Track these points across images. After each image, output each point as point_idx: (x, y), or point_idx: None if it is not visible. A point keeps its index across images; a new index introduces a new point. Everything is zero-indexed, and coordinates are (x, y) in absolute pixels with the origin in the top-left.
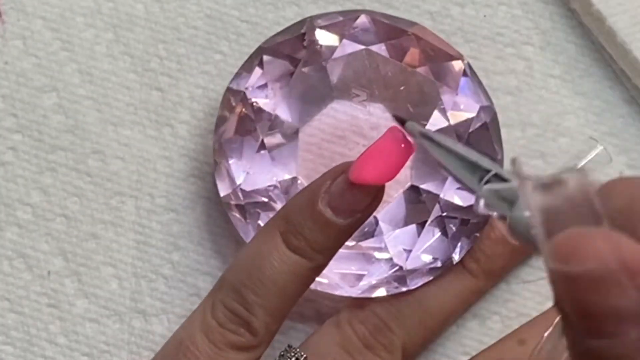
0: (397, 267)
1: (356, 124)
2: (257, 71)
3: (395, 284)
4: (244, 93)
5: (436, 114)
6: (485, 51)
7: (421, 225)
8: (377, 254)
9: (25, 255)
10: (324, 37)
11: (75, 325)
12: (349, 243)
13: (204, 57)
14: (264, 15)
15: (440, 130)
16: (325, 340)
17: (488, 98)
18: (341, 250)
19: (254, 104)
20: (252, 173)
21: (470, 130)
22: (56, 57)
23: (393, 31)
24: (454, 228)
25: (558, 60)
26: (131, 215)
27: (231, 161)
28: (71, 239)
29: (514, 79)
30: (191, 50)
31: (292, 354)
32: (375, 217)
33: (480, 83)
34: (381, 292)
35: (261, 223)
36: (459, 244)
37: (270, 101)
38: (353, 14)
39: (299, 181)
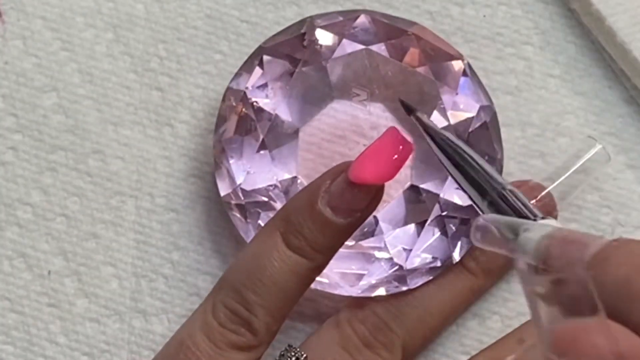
0: (397, 267)
1: (356, 123)
2: (257, 71)
3: (395, 284)
4: (244, 93)
5: (436, 113)
6: (485, 51)
7: (421, 224)
8: (377, 254)
9: (25, 254)
10: (324, 37)
11: (75, 324)
12: (349, 242)
13: (204, 57)
14: (264, 15)
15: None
16: (325, 340)
17: (488, 98)
18: (341, 250)
19: (254, 103)
20: (252, 173)
21: (470, 129)
22: (56, 57)
23: (393, 31)
24: (453, 227)
25: (558, 60)
26: (131, 215)
27: (231, 161)
28: (71, 239)
29: (514, 79)
30: (191, 50)
31: (292, 354)
32: (375, 217)
33: (480, 83)
34: (381, 291)
35: (261, 223)
36: (459, 244)
37: (270, 101)
38: (353, 14)
39: (299, 181)
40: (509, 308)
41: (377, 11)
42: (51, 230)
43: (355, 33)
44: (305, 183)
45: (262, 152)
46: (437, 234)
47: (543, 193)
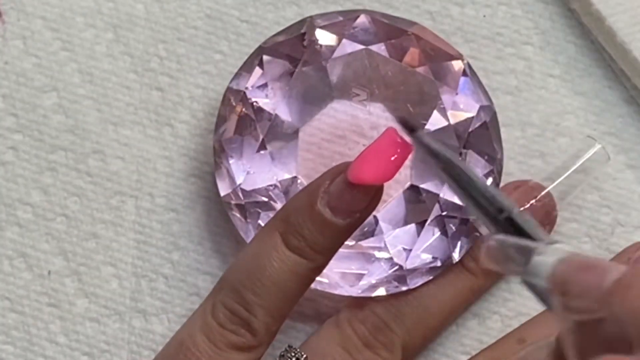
0: (397, 267)
1: (356, 123)
2: (257, 71)
3: (395, 284)
4: (244, 93)
5: (436, 113)
6: (485, 51)
7: (421, 224)
8: (377, 254)
9: (25, 254)
10: (324, 37)
11: (75, 324)
12: (349, 242)
13: (204, 57)
14: (264, 15)
15: (440, 130)
16: (325, 340)
17: (488, 98)
18: (341, 250)
19: (254, 103)
20: (252, 173)
21: (470, 129)
22: (56, 57)
23: (393, 31)
24: (453, 227)
25: (558, 60)
26: (131, 215)
27: (231, 161)
28: (71, 239)
29: (514, 79)
30: (191, 50)
31: (292, 354)
32: (375, 217)
33: (480, 83)
34: (381, 291)
35: (261, 223)
36: (459, 244)
37: (270, 101)
38: (353, 14)
39: (299, 181)
40: (509, 308)
41: (377, 11)
42: (51, 230)
43: (355, 33)
44: (305, 183)
45: (262, 152)
46: (437, 234)
47: (543, 193)
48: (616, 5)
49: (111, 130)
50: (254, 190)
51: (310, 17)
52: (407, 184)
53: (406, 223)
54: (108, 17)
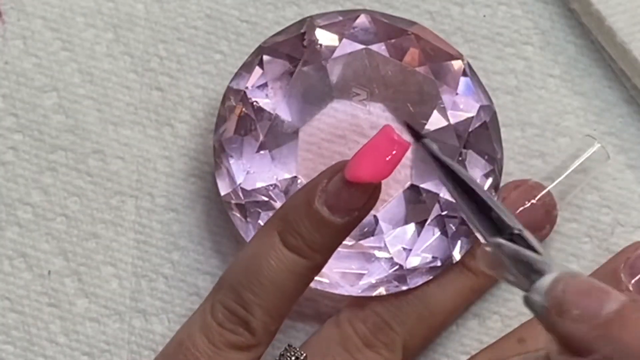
0: (397, 266)
1: (356, 123)
2: (257, 71)
3: (396, 283)
4: (244, 93)
5: (436, 113)
6: (485, 51)
7: (421, 224)
8: (377, 253)
9: (25, 254)
10: (324, 37)
11: (75, 324)
12: (349, 242)
13: (204, 57)
14: (264, 15)
15: (440, 130)
16: (325, 340)
17: (488, 97)
18: (341, 250)
19: (254, 103)
20: (252, 172)
21: (470, 129)
22: (56, 57)
23: (393, 31)
24: (453, 227)
25: (557, 60)
26: (131, 215)
27: (231, 161)
28: (71, 239)
29: (514, 79)
30: (191, 50)
31: (292, 354)
32: (375, 216)
33: (480, 82)
34: (381, 291)
35: (261, 222)
36: (459, 243)
37: (270, 101)
38: (353, 14)
39: (299, 181)
40: (509, 308)
41: (377, 11)
42: (51, 230)
43: (355, 33)
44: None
45: (262, 152)
46: (437, 233)
47: (543, 192)
48: (616, 5)
49: (111, 130)
50: (254, 190)
51: (310, 17)
52: (407, 184)
53: (406, 223)
54: (108, 17)
